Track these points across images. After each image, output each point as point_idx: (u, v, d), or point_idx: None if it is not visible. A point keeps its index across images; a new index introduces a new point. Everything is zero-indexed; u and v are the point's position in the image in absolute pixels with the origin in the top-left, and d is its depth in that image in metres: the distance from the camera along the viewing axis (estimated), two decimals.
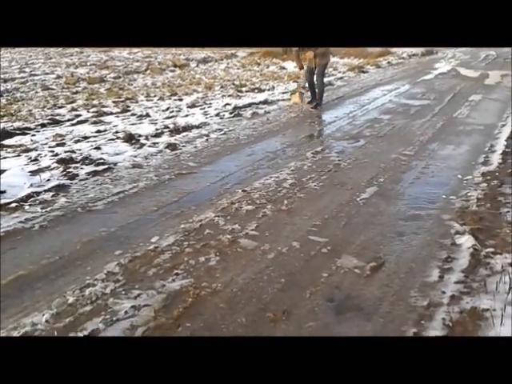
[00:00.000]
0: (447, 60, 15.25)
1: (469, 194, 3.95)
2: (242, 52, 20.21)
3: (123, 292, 2.65)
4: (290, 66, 14.40)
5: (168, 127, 6.64)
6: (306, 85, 8.13)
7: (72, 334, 2.31)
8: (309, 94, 8.15)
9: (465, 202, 3.79)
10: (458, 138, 5.85)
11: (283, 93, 9.38)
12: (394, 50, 17.60)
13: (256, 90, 9.96)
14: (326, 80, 8.77)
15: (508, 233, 3.24)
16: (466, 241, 3.13)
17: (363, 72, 12.74)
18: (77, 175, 4.65)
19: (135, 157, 5.30)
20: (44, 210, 3.82)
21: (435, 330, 2.27)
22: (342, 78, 11.62)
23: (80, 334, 2.31)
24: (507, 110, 7.36)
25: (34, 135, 6.41)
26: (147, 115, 7.66)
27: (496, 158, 4.91)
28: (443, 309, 2.44)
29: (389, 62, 14.81)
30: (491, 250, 3.02)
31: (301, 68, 8.00)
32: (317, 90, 7.98)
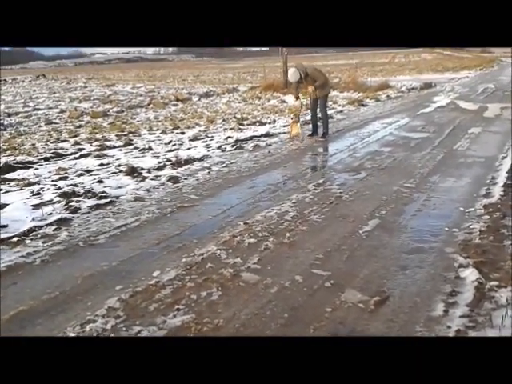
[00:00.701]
0: (446, 93, 15.45)
1: (471, 227, 3.94)
2: (243, 86, 20.56)
3: (124, 328, 2.61)
4: (291, 99, 14.58)
5: (170, 160, 6.69)
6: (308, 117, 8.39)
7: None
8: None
9: (468, 235, 3.78)
10: (458, 170, 5.88)
11: (284, 126, 9.49)
12: (392, 83, 17.88)
13: (257, 123, 10.08)
14: (311, 120, 8.72)
15: None
16: (470, 274, 3.10)
17: (363, 105, 12.91)
18: (79, 209, 4.66)
19: (137, 190, 5.32)
20: (46, 244, 3.81)
21: None
22: (341, 111, 11.76)
23: (80, 334, 2.27)
24: (507, 142, 7.41)
25: (36, 169, 6.47)
26: (150, 148, 7.74)
27: (498, 190, 4.91)
28: None
29: (388, 96, 15.01)
30: (496, 283, 2.99)
31: (297, 98, 8.50)
32: (321, 123, 8.32)
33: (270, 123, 10.09)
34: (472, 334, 2.24)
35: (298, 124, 8.57)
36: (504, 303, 2.75)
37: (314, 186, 5.28)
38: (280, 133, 8.84)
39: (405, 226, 4.05)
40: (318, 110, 8.32)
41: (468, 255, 3.40)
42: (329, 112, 9.76)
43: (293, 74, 8.05)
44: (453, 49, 62.46)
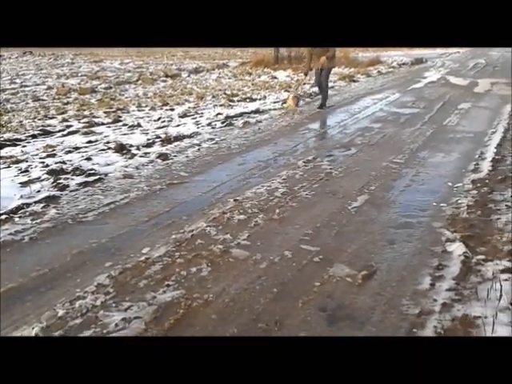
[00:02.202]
0: (437, 69, 15.40)
1: (459, 202, 3.97)
2: (233, 62, 20.31)
3: (114, 304, 2.63)
4: (282, 75, 14.49)
5: (159, 137, 6.63)
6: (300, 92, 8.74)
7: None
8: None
9: (455, 210, 3.81)
10: (447, 145, 5.90)
11: (275, 102, 9.42)
12: (383, 59, 17.77)
13: (247, 100, 10.00)
14: (317, 89, 9.22)
15: (499, 240, 3.26)
16: (457, 248, 3.14)
17: (354, 81, 12.84)
18: (67, 186, 4.62)
19: (126, 167, 5.28)
20: (34, 222, 3.79)
21: None
22: (332, 87, 11.66)
23: (80, 334, 2.28)
24: (497, 117, 7.44)
25: (24, 146, 6.38)
26: (138, 125, 7.65)
27: (486, 166, 4.95)
28: (435, 317, 2.44)
29: (379, 71, 14.93)
30: (482, 257, 3.03)
31: (306, 74, 8.79)
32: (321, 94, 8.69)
33: (260, 99, 10.01)
34: (472, 333, 2.26)
35: (294, 97, 8.70)
36: (490, 277, 2.80)
37: (304, 162, 5.27)
38: (270, 109, 8.78)
39: (393, 201, 4.08)
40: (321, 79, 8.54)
41: (455, 229, 3.44)
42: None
43: None
44: None
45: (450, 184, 4.45)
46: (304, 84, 9.40)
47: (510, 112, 7.79)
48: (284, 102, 8.94)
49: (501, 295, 2.57)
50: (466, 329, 2.33)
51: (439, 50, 23.74)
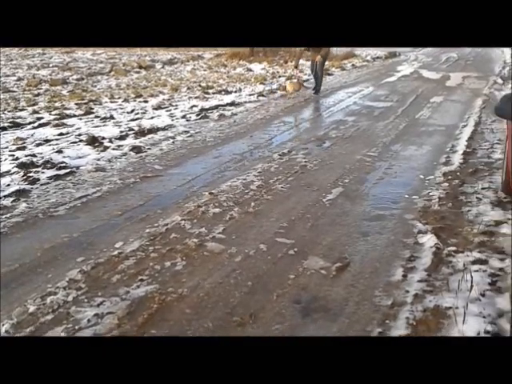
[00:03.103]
0: (410, 63, 15.58)
1: (431, 194, 4.04)
2: (208, 54, 20.14)
3: (86, 300, 2.59)
4: (257, 68, 14.46)
5: (133, 129, 6.54)
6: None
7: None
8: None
9: (427, 202, 3.88)
10: (420, 138, 5.98)
11: (250, 95, 9.39)
12: (358, 52, 17.87)
13: (223, 92, 9.94)
14: (294, 81, 10.14)
15: (469, 231, 3.33)
16: (429, 240, 3.19)
17: (328, 74, 12.85)
18: (38, 180, 4.52)
19: (98, 160, 5.19)
20: (4, 217, 3.69)
21: (399, 329, 2.30)
22: (307, 80, 11.70)
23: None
24: (468, 111, 7.58)
25: None
26: (111, 117, 7.53)
27: (457, 158, 5.04)
28: (407, 308, 2.48)
29: (353, 65, 15.01)
30: (453, 248, 3.09)
31: (296, 67, 9.93)
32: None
33: (235, 92, 9.97)
34: (469, 333, 2.29)
35: (293, 81, 10.01)
36: (461, 268, 2.85)
37: (280, 155, 5.28)
38: (246, 102, 8.75)
39: (367, 193, 4.12)
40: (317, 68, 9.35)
41: (427, 221, 3.50)
42: (294, 81, 9.96)
43: None
44: None
45: (421, 177, 4.52)
46: (298, 73, 10.40)
47: (480, 106, 7.94)
48: (284, 88, 9.88)
49: (471, 286, 2.63)
50: (437, 320, 2.37)
51: None
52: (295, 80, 10.20)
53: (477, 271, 2.80)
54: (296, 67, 9.94)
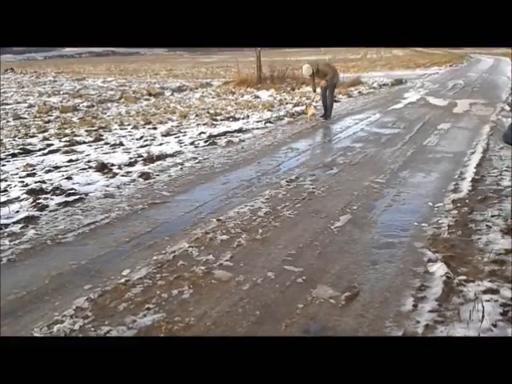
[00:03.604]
0: (416, 89, 15.67)
1: (440, 222, 4.01)
2: (216, 81, 20.43)
3: (92, 329, 2.56)
4: (264, 95, 14.61)
5: (142, 156, 6.60)
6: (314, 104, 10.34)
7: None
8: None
9: (436, 230, 3.84)
10: (428, 165, 5.97)
11: (258, 121, 9.47)
12: (364, 79, 18.05)
13: (231, 119, 10.03)
14: (299, 109, 10.50)
15: (480, 260, 3.29)
16: (439, 268, 3.15)
17: (335, 101, 12.95)
18: (47, 206, 4.55)
19: (107, 186, 5.23)
20: (12, 243, 3.71)
21: None
22: (314, 107, 11.80)
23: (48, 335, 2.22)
24: (476, 137, 7.57)
25: (3, 165, 6.28)
26: (121, 144, 7.61)
27: (466, 185, 5.01)
28: None
29: (360, 92, 15.13)
30: (464, 277, 3.05)
31: (314, 90, 10.00)
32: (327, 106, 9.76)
33: (243, 118, 10.05)
34: (468, 332, 2.25)
35: (312, 106, 9.99)
36: (472, 297, 2.80)
37: (287, 181, 5.29)
38: (253, 128, 8.82)
39: (375, 221, 4.10)
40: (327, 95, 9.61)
41: (437, 250, 3.46)
42: (302, 108, 10.06)
43: (307, 70, 9.40)
44: None
45: (430, 204, 4.49)
46: (315, 98, 10.73)
47: (488, 132, 7.94)
48: (304, 112, 10.08)
49: (483, 316, 2.58)
50: None
51: (419, 71, 24.22)
52: (314, 103, 10.50)
53: (488, 301, 2.75)
54: (314, 91, 10.02)
